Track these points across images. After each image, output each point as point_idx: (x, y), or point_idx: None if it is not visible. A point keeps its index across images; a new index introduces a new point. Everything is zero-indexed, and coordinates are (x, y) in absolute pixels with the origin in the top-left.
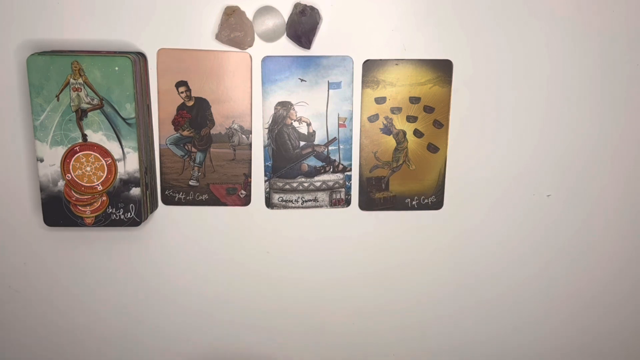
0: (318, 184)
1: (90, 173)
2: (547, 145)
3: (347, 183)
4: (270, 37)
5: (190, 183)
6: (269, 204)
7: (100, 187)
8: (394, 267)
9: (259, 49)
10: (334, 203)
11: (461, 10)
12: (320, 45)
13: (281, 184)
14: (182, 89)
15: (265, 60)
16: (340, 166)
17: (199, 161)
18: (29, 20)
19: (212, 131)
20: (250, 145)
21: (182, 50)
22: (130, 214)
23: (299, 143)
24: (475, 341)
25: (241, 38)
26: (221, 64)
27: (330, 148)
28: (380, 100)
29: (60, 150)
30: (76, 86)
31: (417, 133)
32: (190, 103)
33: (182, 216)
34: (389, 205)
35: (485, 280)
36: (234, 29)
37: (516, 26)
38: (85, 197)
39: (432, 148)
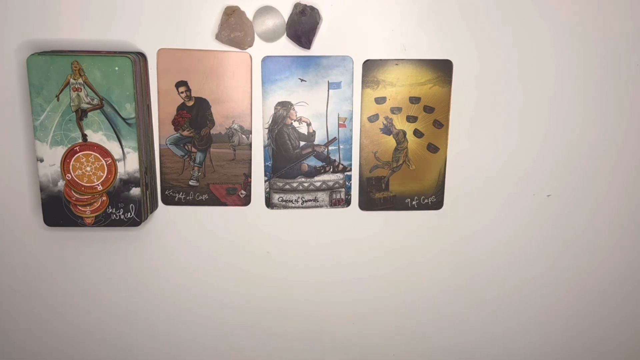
0: (318, 184)
1: (90, 173)
2: (548, 145)
3: (347, 183)
4: (270, 37)
5: (190, 183)
6: (269, 204)
7: (100, 187)
8: (394, 267)
9: (259, 49)
10: (334, 203)
11: (461, 10)
12: (320, 45)
13: (281, 184)
14: (182, 89)
15: (265, 60)
16: (340, 166)
17: (199, 161)
18: (29, 20)
19: (212, 131)
20: (250, 145)
21: (182, 50)
22: (130, 214)
23: (299, 143)
24: (476, 342)
25: (241, 38)
26: (221, 64)
27: (330, 148)
28: (380, 100)
29: (60, 150)
30: (76, 86)
31: (417, 133)
32: (190, 103)
33: (182, 216)
34: (389, 205)
35: (485, 280)
36: (234, 29)
37: (516, 26)
38: (85, 197)
39: (432, 148)
